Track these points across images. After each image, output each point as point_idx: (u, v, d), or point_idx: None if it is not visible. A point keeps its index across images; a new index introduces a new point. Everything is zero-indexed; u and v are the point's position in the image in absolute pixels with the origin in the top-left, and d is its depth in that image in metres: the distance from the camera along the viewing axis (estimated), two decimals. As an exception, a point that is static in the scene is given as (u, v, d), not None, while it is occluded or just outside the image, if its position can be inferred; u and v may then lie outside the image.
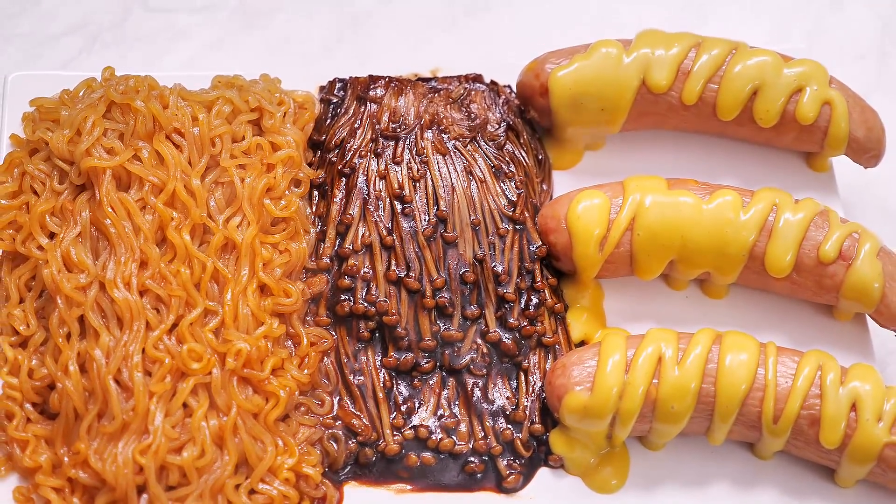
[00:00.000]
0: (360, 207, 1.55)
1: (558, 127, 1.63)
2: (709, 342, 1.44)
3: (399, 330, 1.51)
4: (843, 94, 1.60)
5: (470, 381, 1.50)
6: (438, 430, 1.48)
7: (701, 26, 1.78)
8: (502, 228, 1.55)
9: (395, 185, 1.56)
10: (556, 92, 1.58)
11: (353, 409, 1.49)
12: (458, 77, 1.68)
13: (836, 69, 1.67)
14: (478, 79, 1.68)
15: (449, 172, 1.58)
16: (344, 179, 1.57)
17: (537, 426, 1.49)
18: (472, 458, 1.47)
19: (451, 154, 1.59)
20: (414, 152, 1.59)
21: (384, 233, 1.53)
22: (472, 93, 1.65)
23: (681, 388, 1.41)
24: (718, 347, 1.44)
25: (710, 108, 1.59)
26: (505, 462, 1.47)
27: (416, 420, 1.48)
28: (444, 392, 1.50)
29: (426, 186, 1.57)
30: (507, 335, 1.52)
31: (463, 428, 1.48)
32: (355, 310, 1.51)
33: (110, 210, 1.48)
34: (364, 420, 1.48)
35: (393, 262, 1.53)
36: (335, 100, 1.65)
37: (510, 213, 1.56)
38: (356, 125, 1.62)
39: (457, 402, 1.50)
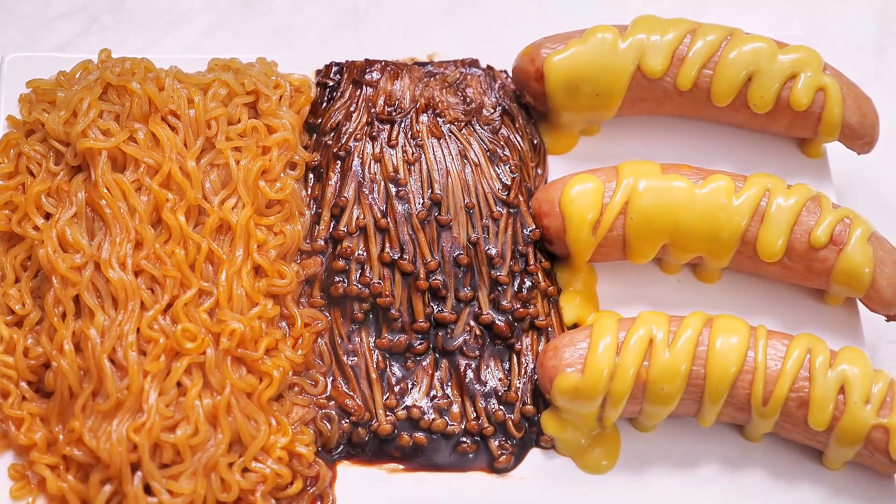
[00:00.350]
0: (355, 190, 1.56)
1: (553, 112, 1.63)
2: (699, 325, 1.45)
3: (392, 311, 1.52)
4: (837, 80, 1.61)
5: (463, 362, 1.51)
6: (431, 411, 1.49)
7: (700, 16, 1.78)
8: (496, 212, 1.56)
9: (390, 168, 1.57)
10: (551, 77, 1.59)
11: (346, 390, 1.49)
12: (455, 62, 1.68)
13: (835, 60, 1.67)
14: (474, 63, 1.68)
15: (444, 156, 1.58)
16: (339, 162, 1.58)
17: (529, 407, 1.49)
18: (464, 439, 1.48)
19: (446, 137, 1.60)
20: (409, 136, 1.59)
21: (378, 215, 1.54)
22: (468, 77, 1.66)
23: (671, 370, 1.42)
24: (709, 330, 1.44)
25: (704, 94, 1.60)
26: (497, 443, 1.48)
27: (408, 401, 1.49)
28: (437, 373, 1.51)
29: (421, 170, 1.57)
30: (500, 317, 1.53)
31: (455, 409, 1.49)
32: (349, 291, 1.52)
33: (106, 191, 1.49)
34: (357, 400, 1.49)
35: (387, 245, 1.54)
36: (331, 83, 1.66)
37: (504, 197, 1.57)
38: (352, 108, 1.63)
39: (449, 384, 1.51)
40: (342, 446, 1.47)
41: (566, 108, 1.62)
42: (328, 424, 1.47)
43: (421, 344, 1.52)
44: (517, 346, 1.52)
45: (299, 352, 1.49)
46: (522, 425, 1.49)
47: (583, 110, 1.62)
